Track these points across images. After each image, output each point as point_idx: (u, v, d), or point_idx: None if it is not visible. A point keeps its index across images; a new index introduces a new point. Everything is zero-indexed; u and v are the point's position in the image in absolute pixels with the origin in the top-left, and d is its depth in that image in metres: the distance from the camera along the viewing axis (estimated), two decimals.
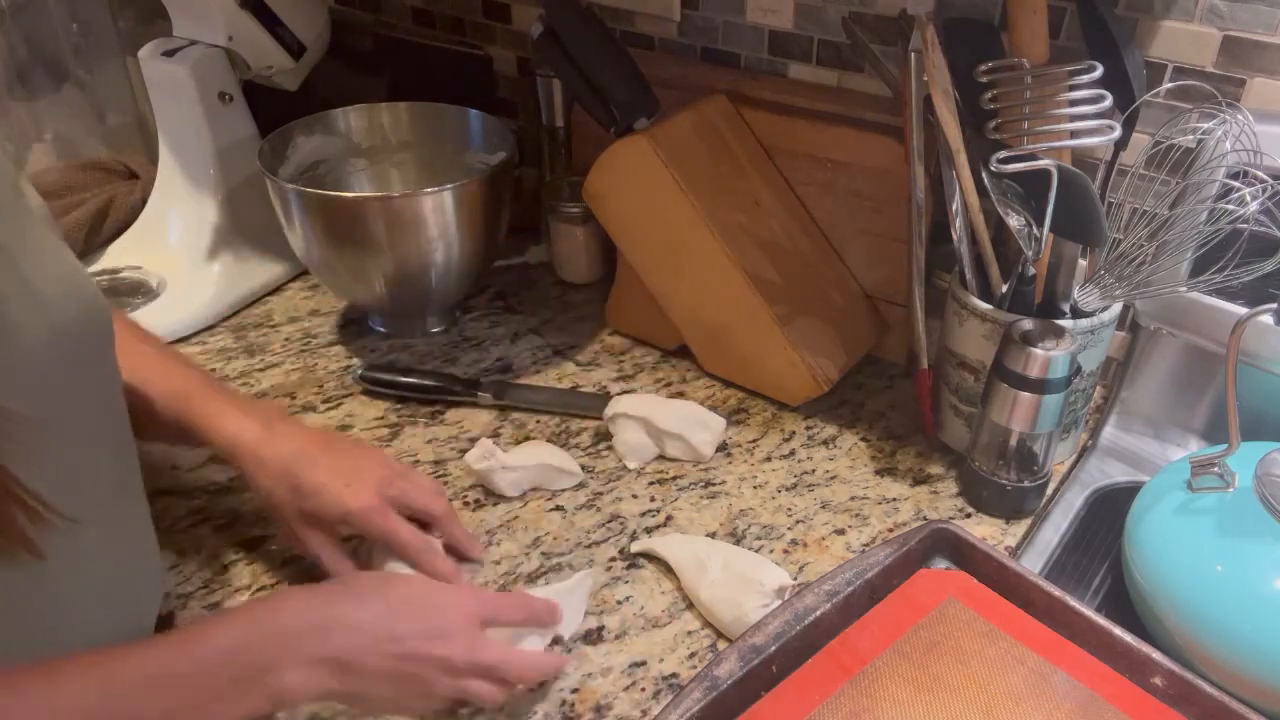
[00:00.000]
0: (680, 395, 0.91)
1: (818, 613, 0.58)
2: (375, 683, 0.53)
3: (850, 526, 0.76)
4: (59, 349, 0.50)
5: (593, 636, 0.66)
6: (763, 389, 0.90)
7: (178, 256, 1.04)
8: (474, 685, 0.56)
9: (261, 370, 0.94)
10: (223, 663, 0.48)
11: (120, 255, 1.06)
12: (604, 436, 0.85)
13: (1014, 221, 0.70)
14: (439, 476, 0.81)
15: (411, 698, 0.55)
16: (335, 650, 0.51)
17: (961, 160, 0.71)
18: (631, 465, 0.82)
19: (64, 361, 0.51)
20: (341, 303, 1.06)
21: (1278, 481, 0.61)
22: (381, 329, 1.01)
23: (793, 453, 0.84)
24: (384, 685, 0.53)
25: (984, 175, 0.69)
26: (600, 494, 0.79)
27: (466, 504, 0.78)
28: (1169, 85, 0.76)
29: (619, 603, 0.69)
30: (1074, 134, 0.69)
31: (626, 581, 0.71)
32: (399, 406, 0.90)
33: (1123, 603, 0.69)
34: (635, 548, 0.73)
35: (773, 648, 0.56)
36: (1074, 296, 0.75)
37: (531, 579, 0.71)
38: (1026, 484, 0.75)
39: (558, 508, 0.78)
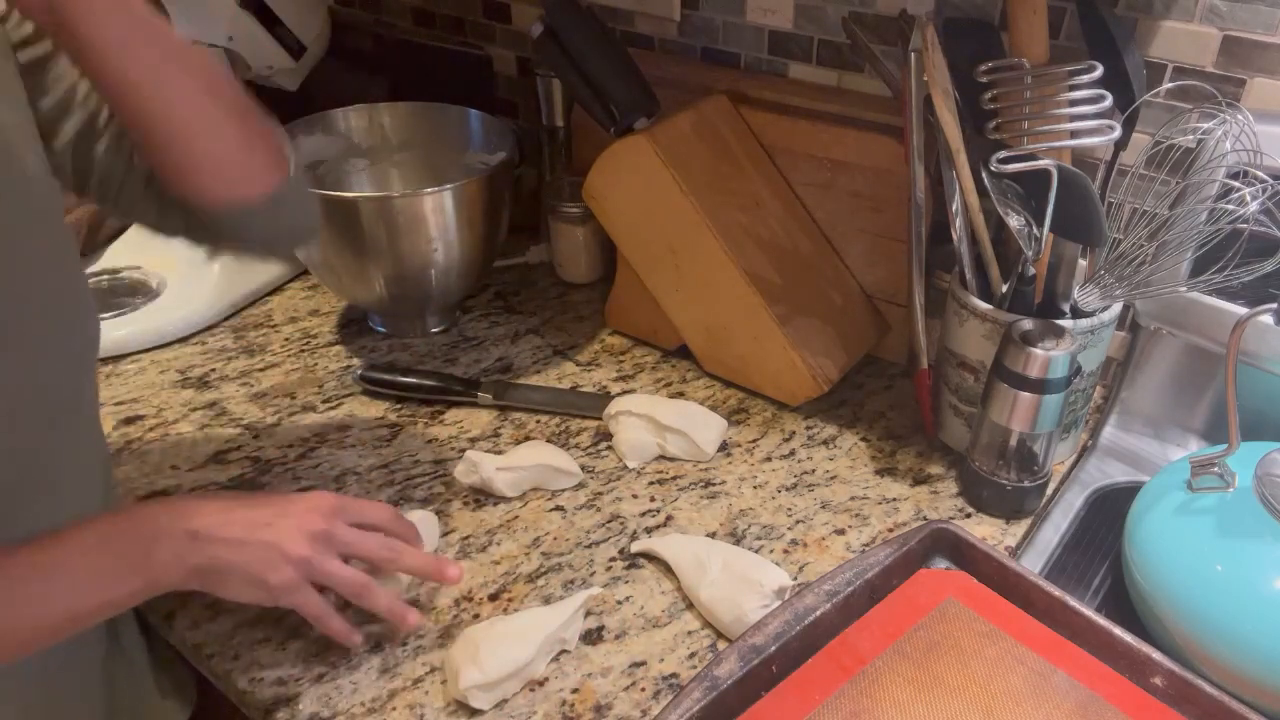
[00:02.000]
0: (680, 395, 0.91)
1: (818, 613, 0.58)
2: (231, 551, 0.57)
3: (850, 526, 0.76)
4: (47, 376, 0.55)
5: (593, 636, 0.66)
6: (763, 389, 0.90)
7: (178, 256, 1.03)
8: (330, 564, 0.59)
9: (261, 370, 0.94)
10: (97, 548, 0.54)
11: (120, 255, 1.06)
12: (604, 436, 0.86)
13: (1014, 221, 0.70)
14: (439, 477, 0.81)
15: (266, 569, 0.57)
16: (194, 525, 0.56)
17: (961, 160, 0.71)
18: (632, 464, 0.82)
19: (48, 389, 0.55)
20: (341, 303, 1.06)
21: (1278, 481, 0.61)
22: (381, 329, 1.01)
23: (793, 453, 0.84)
24: (238, 554, 0.57)
25: (984, 175, 0.69)
26: (600, 494, 0.79)
27: (466, 504, 0.78)
28: (1169, 85, 0.76)
29: (619, 603, 0.69)
30: (1074, 134, 0.69)
31: (626, 581, 0.71)
32: (399, 406, 0.90)
33: (1123, 603, 0.69)
34: (635, 548, 0.73)
35: (773, 648, 0.56)
36: (1074, 296, 0.75)
37: (531, 579, 0.71)
38: (1026, 484, 0.75)
39: (558, 508, 0.78)
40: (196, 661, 0.67)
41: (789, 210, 0.92)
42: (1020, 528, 0.76)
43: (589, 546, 0.74)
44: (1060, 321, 0.72)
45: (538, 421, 0.88)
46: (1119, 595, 0.69)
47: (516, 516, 0.77)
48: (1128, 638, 0.56)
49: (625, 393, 0.90)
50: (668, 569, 0.71)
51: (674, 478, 0.81)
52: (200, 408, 0.89)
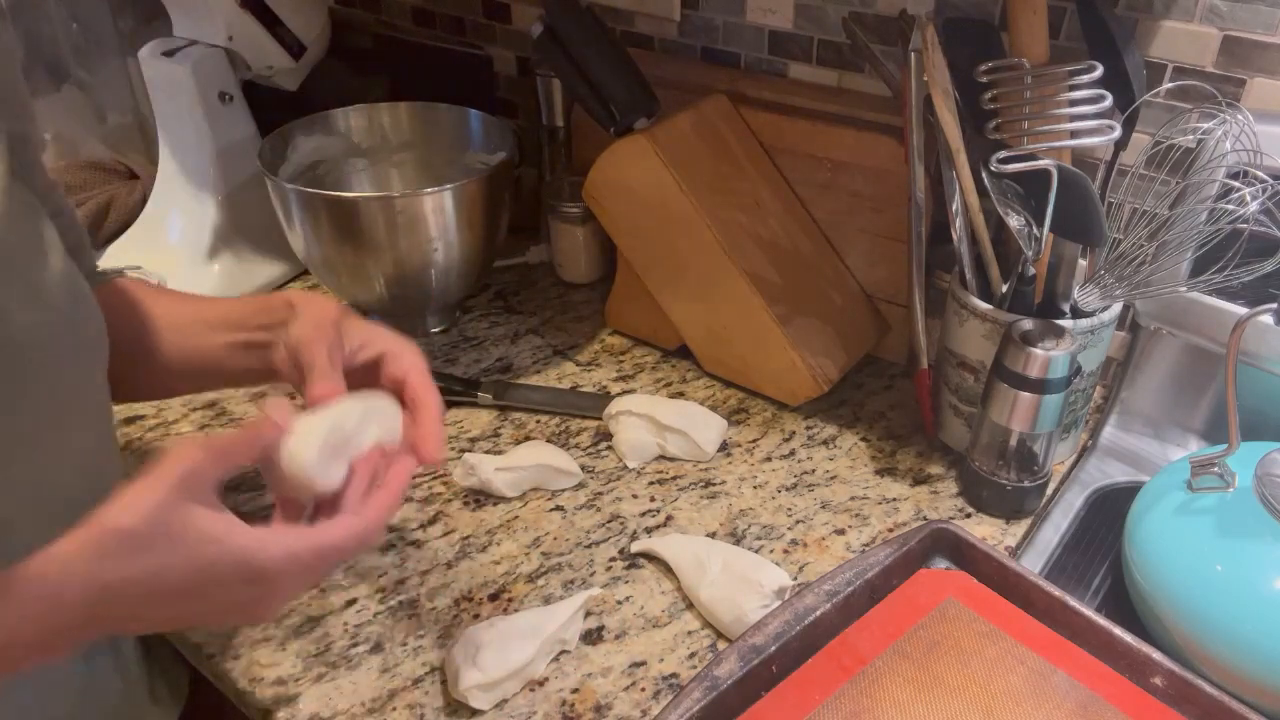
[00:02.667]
0: (680, 395, 0.91)
1: (818, 613, 0.58)
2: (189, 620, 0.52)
3: (850, 526, 0.76)
4: (47, 367, 0.50)
5: (593, 636, 0.66)
6: (763, 389, 0.90)
7: (178, 256, 1.04)
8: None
9: None
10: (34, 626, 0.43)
11: (120, 255, 1.06)
12: (604, 436, 0.85)
13: (1014, 221, 0.70)
14: (439, 477, 0.81)
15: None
16: (125, 624, 0.49)
17: (961, 160, 0.71)
18: (632, 464, 0.82)
19: (49, 380, 0.50)
20: (341, 303, 1.05)
21: (1278, 481, 0.61)
22: None
23: (793, 453, 0.84)
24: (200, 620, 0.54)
25: (984, 175, 0.69)
26: (600, 494, 0.79)
27: (466, 504, 0.78)
28: (1169, 85, 0.76)
29: (619, 603, 0.69)
30: (1074, 134, 0.69)
31: (626, 581, 0.71)
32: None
33: (1123, 603, 0.69)
34: (635, 548, 0.73)
35: (773, 648, 0.56)
36: (1074, 296, 0.75)
37: (531, 579, 0.71)
38: (1026, 484, 0.75)
39: (558, 508, 0.78)
40: (196, 662, 0.67)
41: (789, 210, 0.92)
42: (1020, 528, 0.76)
43: (589, 546, 0.74)
44: (1060, 321, 0.72)
45: (538, 421, 0.88)
46: (1119, 595, 0.69)
47: (516, 516, 0.77)
48: (1128, 638, 0.56)
49: (625, 393, 0.90)
50: (668, 569, 0.71)
51: (674, 478, 0.81)
52: (200, 407, 0.89)
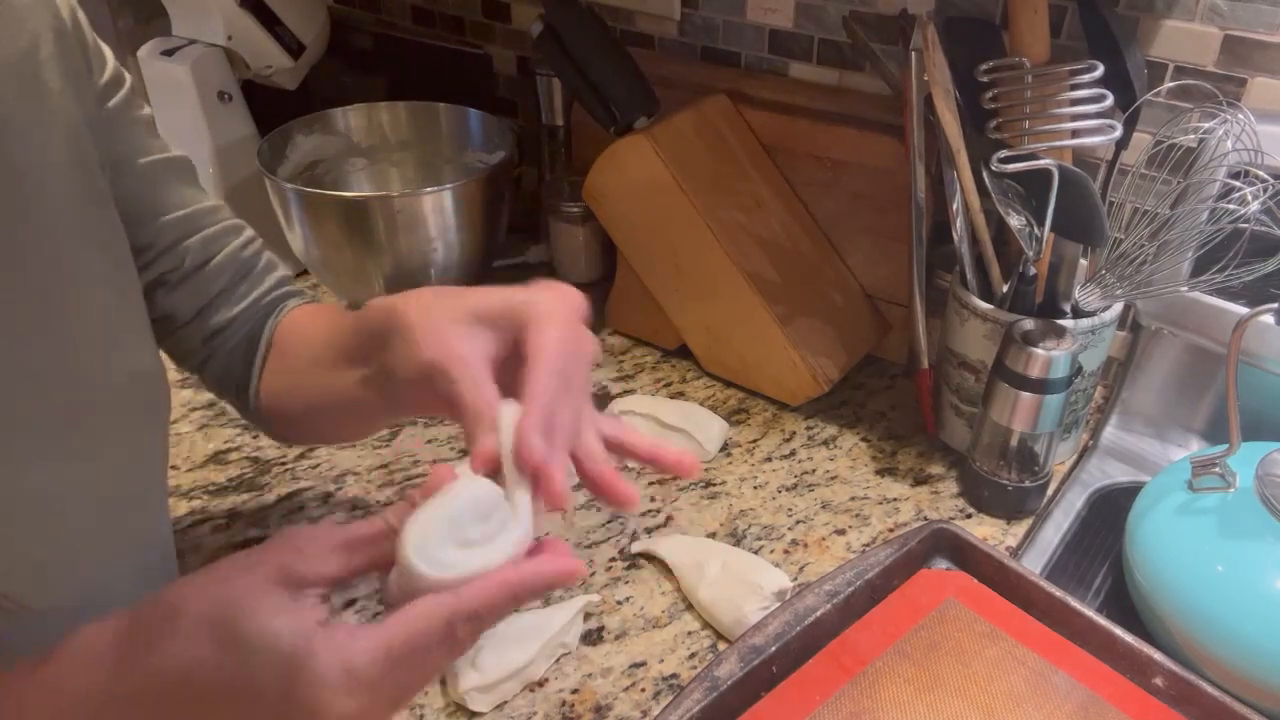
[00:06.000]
0: (680, 395, 0.91)
1: (818, 613, 0.58)
2: None
3: (851, 527, 0.76)
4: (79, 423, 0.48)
5: (593, 636, 0.66)
6: (763, 389, 0.90)
7: None
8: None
9: None
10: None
11: None
12: None
13: (1015, 221, 0.70)
14: None
15: None
16: None
17: (962, 160, 0.71)
18: (632, 465, 0.82)
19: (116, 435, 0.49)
20: (341, 302, 1.05)
21: (1278, 481, 0.61)
22: None
23: (793, 453, 0.84)
24: None
25: (985, 175, 0.69)
26: None
27: None
28: (1170, 85, 0.76)
29: (619, 603, 0.69)
30: (1075, 133, 0.69)
31: (626, 582, 0.71)
32: None
33: (1123, 603, 0.68)
34: (635, 548, 0.73)
35: (773, 648, 0.56)
36: (1075, 296, 0.75)
37: None
38: (1027, 484, 0.75)
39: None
40: None
41: (789, 210, 0.92)
42: (1021, 528, 0.76)
43: (589, 547, 0.74)
44: (1061, 321, 0.72)
45: None
46: (1120, 595, 0.69)
47: None
48: (1129, 638, 0.56)
49: (625, 393, 0.90)
50: (668, 569, 0.71)
51: (674, 478, 0.81)
52: (200, 408, 0.89)
